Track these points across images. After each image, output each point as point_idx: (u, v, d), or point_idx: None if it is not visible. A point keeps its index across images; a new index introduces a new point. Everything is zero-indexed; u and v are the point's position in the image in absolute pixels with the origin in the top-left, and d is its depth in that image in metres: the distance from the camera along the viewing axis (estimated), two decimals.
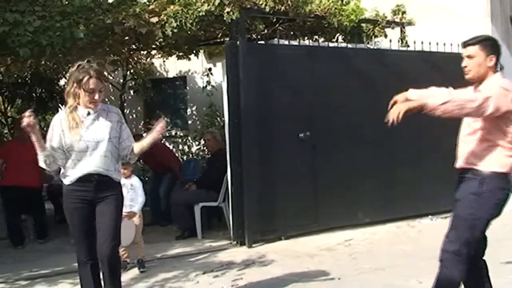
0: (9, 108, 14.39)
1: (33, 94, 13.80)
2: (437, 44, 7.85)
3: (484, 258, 3.75)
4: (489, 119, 3.44)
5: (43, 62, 9.01)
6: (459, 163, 3.67)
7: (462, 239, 3.51)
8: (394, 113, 3.26)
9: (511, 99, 3.39)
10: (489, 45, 3.59)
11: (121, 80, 11.36)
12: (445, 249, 3.57)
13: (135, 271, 5.62)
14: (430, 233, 6.92)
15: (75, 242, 4.22)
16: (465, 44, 3.64)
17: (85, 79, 3.90)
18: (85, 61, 4.01)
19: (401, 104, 3.39)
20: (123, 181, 5.64)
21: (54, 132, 3.99)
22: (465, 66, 3.61)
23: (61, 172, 4.08)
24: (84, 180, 4.00)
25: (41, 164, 4.02)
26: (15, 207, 7.46)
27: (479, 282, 3.73)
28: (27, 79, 12.17)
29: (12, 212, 7.47)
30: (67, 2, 6.70)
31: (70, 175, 4.03)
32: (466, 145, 3.62)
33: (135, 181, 5.87)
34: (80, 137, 3.96)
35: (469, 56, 3.59)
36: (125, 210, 5.56)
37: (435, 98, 3.36)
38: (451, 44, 7.73)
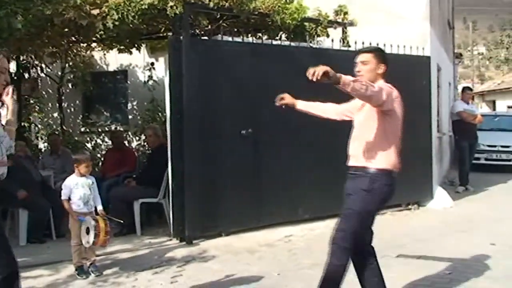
0: None
1: None
2: (377, 45, 7.98)
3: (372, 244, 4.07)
4: (378, 119, 3.81)
5: None
6: (351, 161, 3.97)
7: (351, 229, 3.84)
8: (316, 71, 3.54)
9: (394, 98, 3.77)
10: (381, 55, 3.99)
11: (60, 73, 11.10)
12: (336, 239, 3.88)
13: (72, 269, 5.49)
14: None
15: None
16: (360, 51, 4.04)
17: None
18: None
19: (321, 67, 3.59)
20: (83, 179, 5.48)
21: None
22: (359, 71, 3.95)
23: None
24: None
25: None
26: None
27: (367, 263, 4.03)
28: None
29: None
30: None
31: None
32: (357, 144, 3.93)
33: (93, 178, 5.61)
34: None
35: (363, 62, 3.95)
36: (88, 209, 5.42)
37: (348, 77, 3.61)
38: (391, 45, 7.91)
